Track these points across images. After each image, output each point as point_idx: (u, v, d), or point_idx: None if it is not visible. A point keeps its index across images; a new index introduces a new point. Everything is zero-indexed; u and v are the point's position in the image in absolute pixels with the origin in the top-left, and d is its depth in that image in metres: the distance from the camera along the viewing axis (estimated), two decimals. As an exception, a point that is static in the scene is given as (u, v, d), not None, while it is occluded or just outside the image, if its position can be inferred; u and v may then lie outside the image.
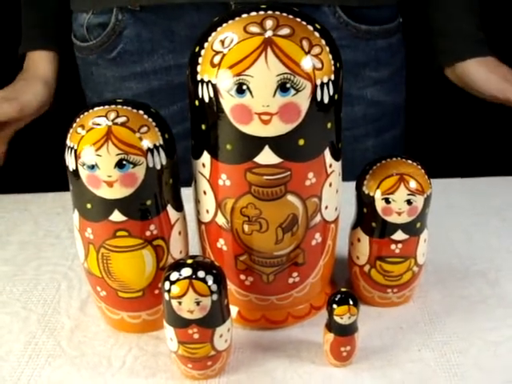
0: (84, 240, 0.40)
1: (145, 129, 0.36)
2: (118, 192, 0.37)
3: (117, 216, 0.37)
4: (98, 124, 0.36)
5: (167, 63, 0.63)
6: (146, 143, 0.36)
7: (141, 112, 0.37)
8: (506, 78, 0.65)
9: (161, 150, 0.37)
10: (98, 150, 0.35)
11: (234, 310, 0.43)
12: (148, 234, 0.39)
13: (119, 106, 0.37)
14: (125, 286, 0.40)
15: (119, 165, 0.36)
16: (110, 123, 0.36)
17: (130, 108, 0.37)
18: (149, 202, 0.38)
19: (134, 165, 0.36)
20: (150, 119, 0.37)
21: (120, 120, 0.36)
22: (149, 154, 0.36)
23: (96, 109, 0.37)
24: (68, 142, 0.37)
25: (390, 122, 0.71)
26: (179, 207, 0.41)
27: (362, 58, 0.65)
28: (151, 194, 0.38)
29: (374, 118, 0.69)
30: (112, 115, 0.36)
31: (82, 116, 0.37)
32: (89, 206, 0.38)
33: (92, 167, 0.36)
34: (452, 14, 0.67)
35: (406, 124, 0.74)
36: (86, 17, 0.64)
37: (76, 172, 0.37)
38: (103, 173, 0.36)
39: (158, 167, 0.37)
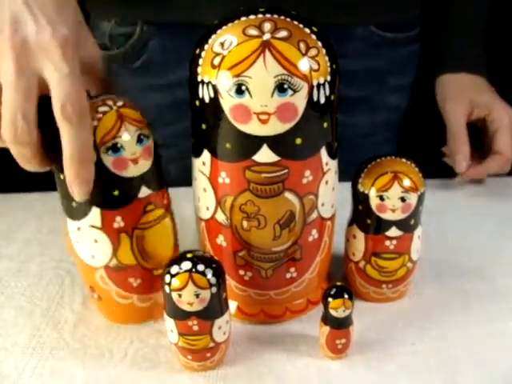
0: (112, 234, 0.40)
1: (138, 108, 0.39)
2: (142, 167, 0.39)
3: (144, 192, 0.39)
4: (106, 111, 0.37)
5: None
6: (145, 118, 0.39)
7: (124, 97, 0.39)
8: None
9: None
10: (118, 132, 0.37)
11: (233, 304, 0.44)
12: (165, 202, 0.42)
13: (105, 96, 0.39)
14: (158, 262, 0.42)
15: (139, 140, 0.38)
16: (115, 107, 0.38)
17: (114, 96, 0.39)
18: (159, 172, 0.41)
19: (148, 137, 0.39)
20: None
21: (120, 103, 0.38)
22: (150, 127, 0.40)
23: (96, 100, 0.38)
24: None
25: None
26: None
27: (386, 65, 0.66)
28: (160, 164, 0.40)
29: (396, 124, 0.70)
30: (110, 102, 0.38)
31: None
32: (116, 192, 0.38)
33: (117, 150, 0.37)
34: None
35: (407, 126, 0.75)
36: (109, 25, 0.63)
37: (97, 163, 0.37)
38: (128, 152, 0.38)
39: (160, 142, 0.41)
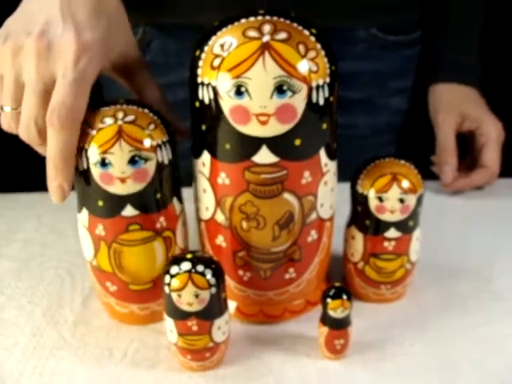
0: (94, 237, 0.41)
1: (152, 126, 0.38)
2: (131, 187, 0.38)
3: (129, 211, 0.39)
4: (108, 124, 0.37)
5: None
6: (155, 139, 0.38)
7: (146, 110, 0.39)
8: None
9: (167, 145, 0.39)
10: (110, 148, 0.37)
11: (232, 304, 0.44)
12: (158, 226, 0.40)
13: (125, 106, 0.38)
14: (137, 278, 0.42)
15: (132, 161, 0.37)
16: (120, 122, 0.37)
17: (135, 107, 0.39)
18: (158, 196, 0.40)
19: (146, 160, 0.38)
20: (155, 117, 0.39)
21: (129, 118, 0.38)
22: (158, 150, 0.38)
23: (102, 109, 0.38)
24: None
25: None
26: (181, 199, 0.43)
27: (389, 68, 0.66)
28: (161, 188, 0.39)
29: (398, 126, 0.71)
30: (120, 114, 0.38)
31: (88, 117, 0.38)
32: (100, 203, 0.39)
33: (105, 165, 0.37)
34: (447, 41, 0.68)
35: (408, 127, 0.75)
36: None
37: (87, 171, 0.38)
38: (117, 170, 0.37)
39: (166, 162, 0.39)
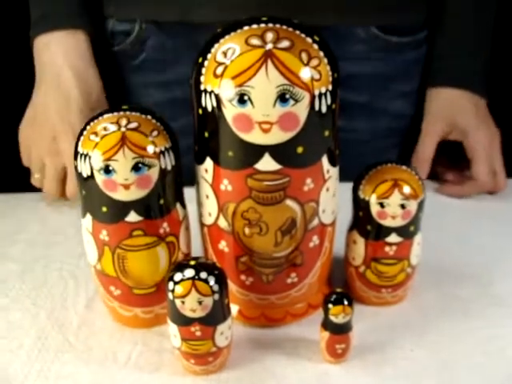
0: (98, 242, 0.41)
1: (155, 133, 0.39)
2: (134, 194, 0.39)
3: (133, 217, 0.39)
4: (112, 130, 0.38)
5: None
6: (158, 146, 0.38)
7: (149, 117, 0.39)
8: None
9: (170, 151, 0.39)
10: (114, 155, 0.37)
11: (234, 308, 0.45)
12: (162, 231, 0.41)
13: (128, 113, 0.39)
14: (140, 282, 0.42)
15: (135, 168, 0.38)
16: (123, 129, 0.38)
17: (138, 114, 0.39)
18: (162, 201, 0.40)
19: (149, 167, 0.38)
20: (158, 123, 0.39)
21: (132, 125, 0.38)
22: (161, 156, 0.39)
23: (105, 116, 0.39)
24: (80, 149, 0.39)
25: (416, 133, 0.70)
26: (184, 204, 0.43)
27: (391, 70, 0.65)
28: (164, 194, 0.40)
29: (400, 131, 0.70)
30: (124, 121, 0.38)
31: (91, 124, 0.39)
32: (104, 209, 0.39)
33: (109, 172, 0.37)
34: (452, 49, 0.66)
35: (413, 131, 0.74)
36: (110, 22, 0.64)
37: (90, 178, 0.38)
38: (120, 176, 0.38)
39: (169, 168, 0.39)
